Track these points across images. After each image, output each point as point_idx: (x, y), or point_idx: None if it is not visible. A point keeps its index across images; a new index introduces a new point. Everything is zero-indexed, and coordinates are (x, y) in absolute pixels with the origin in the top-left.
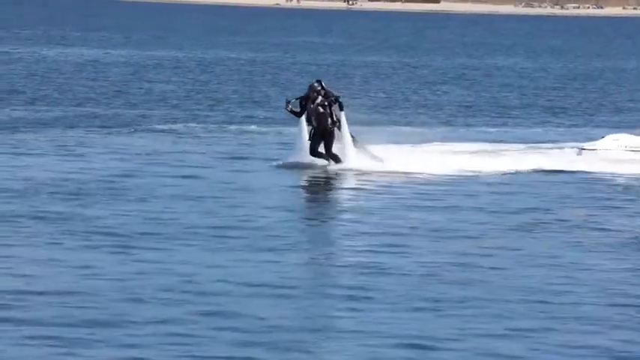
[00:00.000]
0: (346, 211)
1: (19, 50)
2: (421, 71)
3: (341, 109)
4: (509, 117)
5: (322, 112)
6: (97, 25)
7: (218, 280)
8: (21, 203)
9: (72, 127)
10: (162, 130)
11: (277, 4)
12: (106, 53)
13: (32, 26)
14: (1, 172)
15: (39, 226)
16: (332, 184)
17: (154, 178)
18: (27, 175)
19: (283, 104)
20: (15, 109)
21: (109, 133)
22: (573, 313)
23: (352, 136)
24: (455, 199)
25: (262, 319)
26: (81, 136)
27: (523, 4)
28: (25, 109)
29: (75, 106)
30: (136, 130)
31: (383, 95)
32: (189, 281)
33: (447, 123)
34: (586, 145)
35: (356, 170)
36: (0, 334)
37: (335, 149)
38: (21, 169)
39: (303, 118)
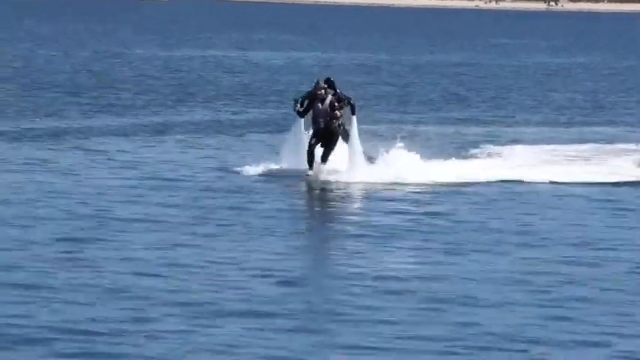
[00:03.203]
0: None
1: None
2: (628, 73)
3: (353, 112)
4: None
5: (333, 113)
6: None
7: None
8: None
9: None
10: None
11: (477, 5)
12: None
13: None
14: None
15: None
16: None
17: None
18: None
19: (292, 105)
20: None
21: None
22: None
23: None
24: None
25: None
26: None
27: None
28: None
29: None
30: None
31: (580, 97)
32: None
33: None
34: None
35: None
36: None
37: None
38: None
39: (301, 119)
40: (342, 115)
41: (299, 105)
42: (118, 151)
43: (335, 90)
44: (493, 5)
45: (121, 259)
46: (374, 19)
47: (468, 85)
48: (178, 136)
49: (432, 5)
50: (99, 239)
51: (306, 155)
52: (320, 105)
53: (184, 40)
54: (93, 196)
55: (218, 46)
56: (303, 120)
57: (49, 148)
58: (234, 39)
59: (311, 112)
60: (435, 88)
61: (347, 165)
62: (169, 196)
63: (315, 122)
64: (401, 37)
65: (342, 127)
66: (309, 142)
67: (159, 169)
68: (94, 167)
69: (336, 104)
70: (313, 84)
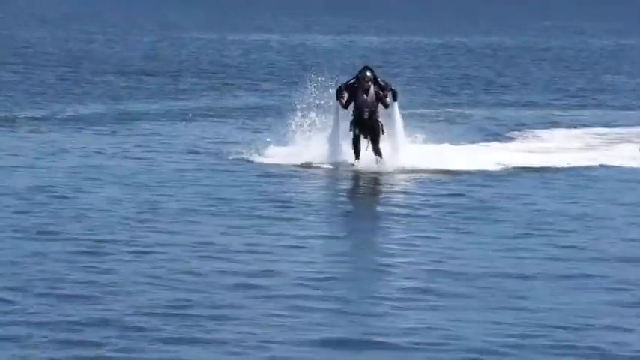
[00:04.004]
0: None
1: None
2: None
3: (395, 99)
4: None
5: (376, 103)
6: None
7: None
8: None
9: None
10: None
11: None
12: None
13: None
14: None
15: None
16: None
17: None
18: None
19: (335, 94)
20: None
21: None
22: None
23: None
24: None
25: None
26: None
27: None
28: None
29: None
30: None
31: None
32: None
33: None
34: None
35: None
36: None
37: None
38: None
39: (339, 112)
40: (384, 104)
41: (344, 98)
42: (174, 135)
43: (375, 78)
44: None
45: (180, 244)
46: (424, 4)
47: (523, 69)
48: (232, 120)
49: None
50: (158, 222)
51: (352, 147)
52: (365, 96)
53: (241, 23)
54: (151, 180)
55: (276, 30)
56: (339, 115)
57: (106, 133)
58: (293, 23)
59: (353, 102)
60: (488, 71)
61: (389, 151)
62: (226, 180)
63: (359, 113)
64: (455, 21)
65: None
66: (354, 133)
67: (215, 153)
68: (152, 151)
69: (381, 93)
70: (357, 73)
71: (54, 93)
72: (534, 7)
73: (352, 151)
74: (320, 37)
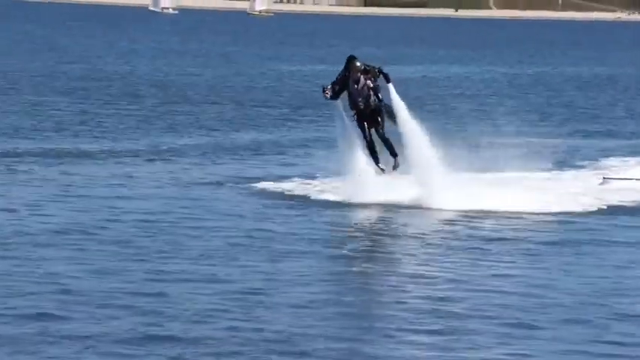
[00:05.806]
0: None
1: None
2: None
3: (388, 80)
4: None
5: (369, 93)
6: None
7: None
8: None
9: None
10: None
11: (618, 17)
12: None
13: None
14: None
15: None
16: None
17: None
18: None
19: (321, 91)
20: None
21: None
22: None
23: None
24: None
25: None
26: None
27: None
28: None
29: None
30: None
31: None
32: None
33: None
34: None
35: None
36: None
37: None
38: None
39: (340, 104)
40: (375, 90)
41: (328, 91)
42: (216, 164)
43: (364, 67)
44: (636, 17)
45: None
46: (510, 33)
47: (595, 98)
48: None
49: (570, 17)
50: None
51: (369, 154)
52: (356, 85)
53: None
54: (176, 206)
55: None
56: (342, 109)
57: (200, 164)
58: (378, 54)
59: (347, 95)
60: (561, 101)
61: (416, 171)
62: (257, 206)
63: (354, 105)
64: (537, 50)
65: (382, 102)
66: (365, 140)
67: (256, 181)
68: (193, 182)
69: (371, 83)
70: (345, 65)
71: (146, 125)
72: (620, 36)
73: (372, 159)
74: (407, 68)
